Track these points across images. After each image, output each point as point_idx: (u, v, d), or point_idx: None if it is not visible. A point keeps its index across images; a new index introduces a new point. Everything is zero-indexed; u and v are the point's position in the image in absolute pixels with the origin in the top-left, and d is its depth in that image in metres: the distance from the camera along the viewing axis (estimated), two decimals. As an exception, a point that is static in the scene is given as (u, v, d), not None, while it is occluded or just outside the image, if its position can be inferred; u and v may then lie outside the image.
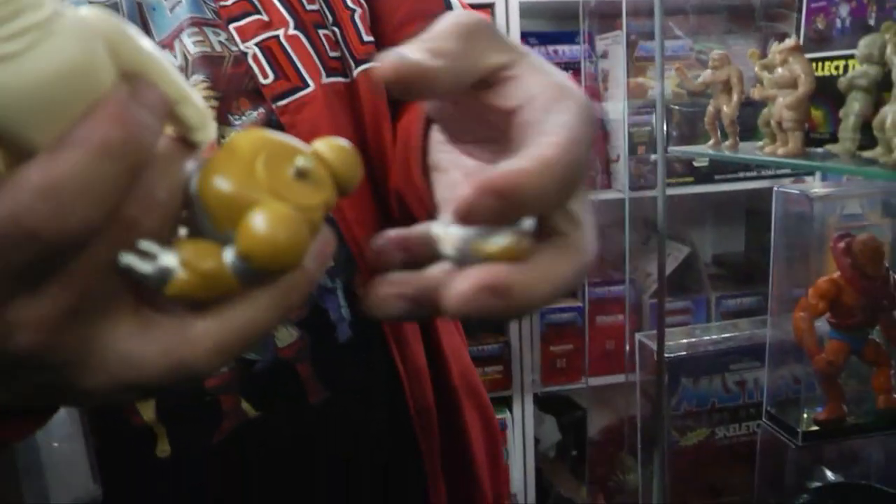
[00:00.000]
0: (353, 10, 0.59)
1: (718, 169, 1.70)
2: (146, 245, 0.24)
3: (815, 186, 0.78)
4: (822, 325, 0.75)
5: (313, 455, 0.57)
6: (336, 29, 0.58)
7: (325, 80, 0.56)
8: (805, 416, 0.73)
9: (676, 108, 1.31)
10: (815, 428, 0.74)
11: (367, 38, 0.58)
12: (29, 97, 0.21)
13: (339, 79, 0.57)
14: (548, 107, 0.29)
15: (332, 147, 0.27)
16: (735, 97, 0.62)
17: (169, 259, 0.24)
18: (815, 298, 0.73)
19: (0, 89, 0.21)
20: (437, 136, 0.38)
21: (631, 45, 1.67)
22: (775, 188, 0.72)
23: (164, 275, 0.24)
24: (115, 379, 0.26)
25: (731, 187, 1.77)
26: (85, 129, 0.22)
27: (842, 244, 0.72)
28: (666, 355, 0.78)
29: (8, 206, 0.22)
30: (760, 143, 0.63)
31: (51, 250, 0.22)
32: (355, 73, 0.57)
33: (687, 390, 0.83)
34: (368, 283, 0.28)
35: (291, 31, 0.56)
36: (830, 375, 0.75)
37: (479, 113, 0.32)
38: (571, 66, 1.76)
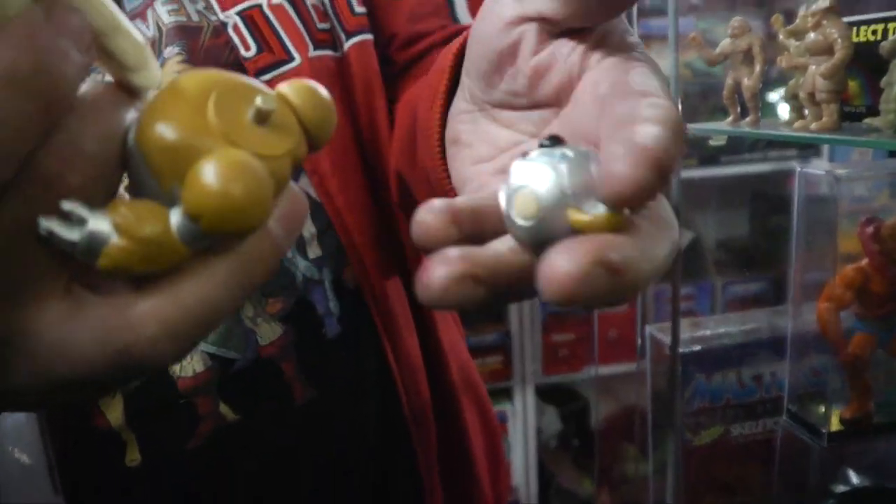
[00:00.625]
0: None
1: (724, 150, 1.66)
2: (70, 206, 0.20)
3: (827, 167, 0.73)
4: (847, 317, 0.71)
5: (299, 461, 0.53)
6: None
7: (312, 53, 0.52)
8: (831, 414, 0.68)
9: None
10: (840, 427, 0.68)
11: (360, 9, 0.54)
12: None
13: (329, 52, 0.53)
14: (626, 67, 0.26)
15: (299, 88, 0.23)
16: (758, 67, 0.57)
17: (101, 223, 0.20)
18: (841, 287, 0.68)
19: None
20: (460, 106, 0.33)
21: (631, 24, 1.62)
22: (798, 169, 0.66)
23: (95, 243, 0.20)
24: (45, 374, 0.22)
25: (737, 170, 1.73)
26: None
27: (870, 229, 0.67)
28: (679, 349, 0.73)
29: None
30: (786, 118, 0.58)
31: None
32: (346, 46, 0.54)
33: (700, 386, 0.78)
34: (424, 264, 0.22)
35: (276, 1, 0.52)
36: (857, 370, 0.70)
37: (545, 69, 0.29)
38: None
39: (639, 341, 0.85)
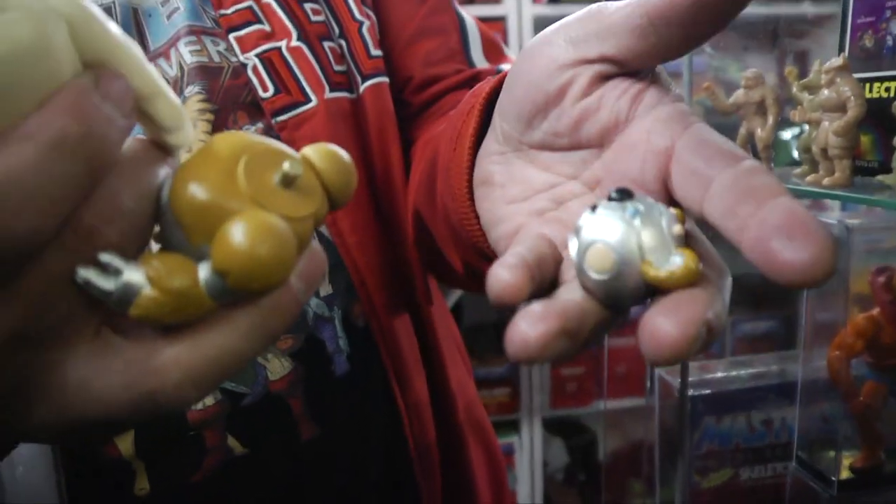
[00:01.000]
0: (362, 23, 0.56)
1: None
2: (107, 258, 0.21)
3: (845, 215, 0.74)
4: (858, 364, 0.71)
5: (304, 495, 0.54)
6: (343, 42, 0.55)
7: (328, 94, 0.53)
8: (840, 462, 0.68)
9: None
10: (850, 476, 0.68)
11: (376, 52, 0.55)
12: None
13: (345, 94, 0.54)
14: (684, 122, 0.28)
15: (323, 153, 0.24)
16: (770, 120, 0.57)
17: (134, 275, 0.22)
18: (851, 336, 0.68)
19: None
20: (491, 147, 0.34)
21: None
22: (810, 217, 0.67)
23: (128, 293, 0.22)
24: (71, 414, 0.23)
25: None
26: (38, 122, 0.20)
27: (881, 278, 0.67)
28: (688, 392, 0.73)
29: None
30: (798, 171, 0.58)
31: None
32: (362, 88, 0.55)
33: (709, 429, 0.78)
34: (516, 322, 0.23)
35: (294, 43, 0.54)
36: (868, 419, 0.70)
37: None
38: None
39: (648, 384, 0.85)
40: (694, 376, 0.81)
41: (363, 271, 0.53)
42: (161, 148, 0.23)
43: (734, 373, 0.83)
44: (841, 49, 0.55)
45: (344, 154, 0.25)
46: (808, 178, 0.53)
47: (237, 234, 0.21)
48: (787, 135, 0.82)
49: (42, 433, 0.23)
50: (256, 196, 0.22)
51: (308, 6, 0.55)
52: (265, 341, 0.24)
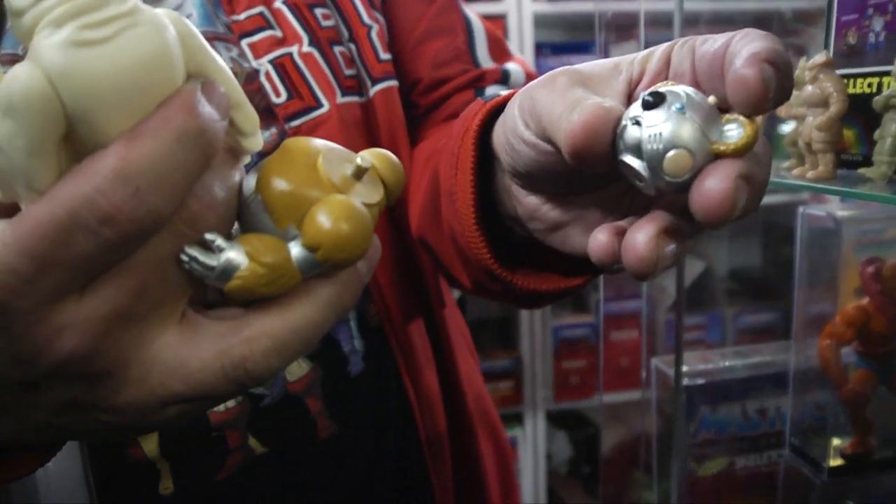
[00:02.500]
0: (370, 27, 0.57)
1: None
2: (212, 236, 0.24)
3: (837, 207, 0.75)
4: (848, 353, 0.72)
5: (321, 492, 0.55)
6: (352, 46, 0.56)
7: (340, 99, 0.55)
8: (831, 449, 0.69)
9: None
10: (841, 462, 0.70)
11: (385, 55, 0.57)
12: (110, 83, 0.21)
13: (355, 98, 0.56)
14: None
15: (378, 155, 0.29)
16: (760, 116, 0.59)
17: (235, 252, 0.25)
18: (842, 326, 0.70)
19: (84, 74, 0.21)
20: (507, 182, 0.37)
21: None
22: (800, 209, 0.68)
23: (230, 268, 0.24)
24: (160, 392, 0.24)
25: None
26: (164, 117, 0.22)
27: (871, 269, 0.69)
28: (684, 382, 0.74)
29: (84, 189, 0.21)
30: (786, 164, 0.60)
31: (120, 239, 0.21)
32: (371, 92, 0.56)
33: (705, 418, 0.80)
34: (644, 235, 0.29)
35: (306, 49, 0.55)
36: (858, 406, 0.71)
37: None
38: (586, 78, 1.73)
39: (643, 374, 0.86)
40: (690, 367, 0.82)
41: (377, 273, 0.55)
42: (232, 151, 0.26)
43: (729, 363, 0.84)
44: (826, 46, 0.57)
45: (395, 157, 0.29)
46: (795, 172, 0.54)
47: (325, 214, 0.25)
48: (786, 128, 0.83)
49: (124, 414, 0.25)
50: (336, 185, 0.26)
51: (318, 11, 0.56)
52: (339, 314, 0.27)
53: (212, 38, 0.53)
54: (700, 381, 0.80)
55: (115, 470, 0.50)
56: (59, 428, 0.26)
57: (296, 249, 0.25)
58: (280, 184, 0.25)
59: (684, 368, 0.78)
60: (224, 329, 0.25)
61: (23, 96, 0.21)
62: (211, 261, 0.24)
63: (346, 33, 0.57)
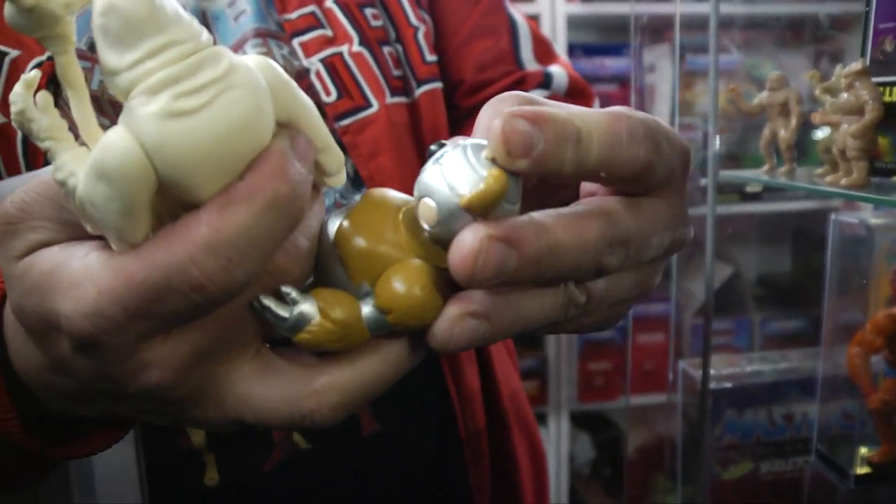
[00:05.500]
0: (417, 28, 0.57)
1: (767, 188, 1.66)
2: (288, 290, 0.24)
3: (870, 214, 0.75)
4: (878, 361, 0.72)
5: (362, 488, 0.56)
6: (399, 46, 0.57)
7: (389, 99, 0.55)
8: (858, 457, 0.69)
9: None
10: (868, 470, 0.70)
11: (431, 57, 0.57)
12: (203, 152, 0.21)
13: (402, 99, 0.56)
14: None
15: None
16: (793, 121, 0.59)
17: (308, 305, 0.25)
18: (872, 334, 0.70)
19: (178, 144, 0.21)
20: None
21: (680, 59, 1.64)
22: (832, 216, 0.68)
23: (301, 321, 0.24)
24: (231, 416, 0.26)
25: (779, 206, 1.72)
26: (254, 184, 0.22)
27: (902, 277, 0.69)
28: (711, 386, 0.75)
29: (177, 258, 0.21)
30: (819, 170, 0.60)
31: (209, 303, 0.22)
32: (417, 93, 0.56)
33: (731, 422, 0.80)
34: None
35: (356, 48, 0.55)
36: (886, 415, 0.71)
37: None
38: (619, 80, 1.73)
39: (670, 376, 0.87)
40: (717, 370, 0.82)
41: None
42: (316, 188, 0.26)
43: (756, 367, 0.84)
44: (862, 53, 0.57)
45: None
46: (828, 179, 0.55)
47: (401, 279, 0.25)
48: (820, 134, 0.83)
49: (198, 423, 0.27)
50: (414, 247, 0.26)
51: (368, 11, 0.56)
52: (405, 370, 0.27)
53: (264, 35, 0.54)
54: (727, 384, 0.81)
55: (165, 458, 0.52)
56: (136, 420, 0.28)
57: (367, 309, 0.25)
58: (358, 240, 0.25)
59: (711, 372, 0.78)
60: (295, 376, 0.26)
61: (117, 165, 0.21)
62: (284, 312, 0.24)
63: (393, 34, 0.57)
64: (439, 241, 0.25)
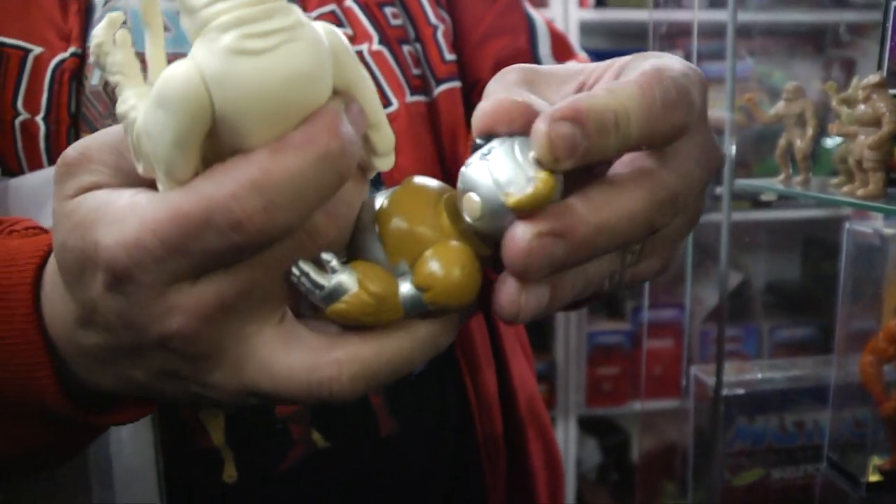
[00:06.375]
0: (436, 27, 0.58)
1: (777, 195, 1.66)
2: (329, 257, 0.25)
3: (883, 224, 0.75)
4: (890, 370, 0.72)
5: (379, 489, 0.56)
6: (418, 45, 0.57)
7: (409, 98, 0.55)
8: (870, 465, 0.70)
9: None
10: (879, 478, 0.70)
11: (450, 56, 0.57)
12: (261, 94, 0.22)
13: (422, 98, 0.56)
14: None
15: None
16: (810, 131, 0.60)
17: (346, 276, 0.25)
18: (885, 342, 0.70)
19: (238, 81, 0.22)
20: None
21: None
22: (847, 225, 0.69)
23: (338, 291, 0.25)
24: (246, 383, 0.26)
25: (790, 214, 1.73)
26: (308, 135, 0.23)
27: (915, 286, 0.69)
28: (723, 392, 0.75)
29: (222, 192, 0.22)
30: (835, 181, 0.61)
31: (246, 245, 0.23)
32: (435, 92, 0.57)
33: (742, 428, 0.80)
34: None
35: (376, 47, 0.56)
36: (898, 423, 0.71)
37: None
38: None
39: (683, 382, 0.87)
40: (728, 377, 0.83)
41: None
42: (363, 169, 0.27)
43: (768, 374, 0.85)
44: (879, 66, 0.57)
45: None
46: (844, 189, 0.55)
47: (440, 258, 0.25)
48: (830, 143, 0.84)
49: (212, 391, 0.27)
50: (455, 232, 0.26)
51: (388, 10, 0.57)
52: (431, 353, 0.27)
53: None
54: (739, 391, 0.81)
55: (183, 456, 0.52)
56: (152, 389, 0.28)
57: (405, 287, 0.26)
58: (399, 220, 0.26)
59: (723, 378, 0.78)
60: (318, 344, 0.26)
61: (177, 93, 0.22)
62: (322, 280, 0.25)
63: (412, 33, 0.58)
64: (480, 233, 0.26)
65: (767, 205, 1.72)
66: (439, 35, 0.58)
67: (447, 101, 0.57)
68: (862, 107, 0.52)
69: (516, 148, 0.25)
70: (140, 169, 0.25)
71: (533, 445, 0.64)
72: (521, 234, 0.24)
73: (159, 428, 0.51)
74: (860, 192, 0.52)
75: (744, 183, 0.70)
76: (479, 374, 0.59)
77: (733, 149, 0.74)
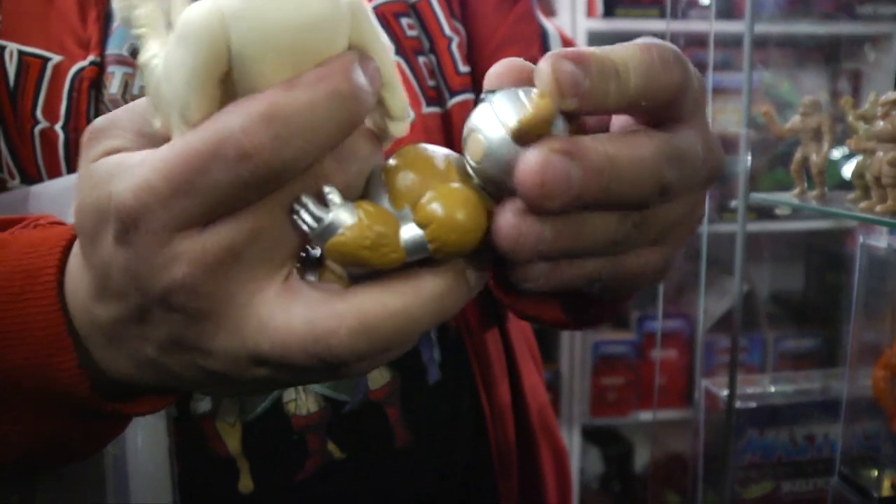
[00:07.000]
0: (451, 39, 0.58)
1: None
2: (329, 189, 0.24)
3: (887, 240, 0.75)
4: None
5: (394, 499, 0.57)
6: (433, 57, 0.57)
7: (425, 109, 0.56)
8: (883, 479, 0.69)
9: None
10: (892, 493, 0.70)
11: (464, 68, 0.58)
12: (276, 33, 0.23)
13: (437, 109, 0.57)
14: None
15: None
16: (826, 146, 0.60)
17: (346, 211, 0.25)
18: (897, 357, 0.70)
19: (254, 18, 0.23)
20: None
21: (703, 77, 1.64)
22: (860, 239, 0.69)
23: (336, 224, 0.24)
24: (249, 345, 0.25)
25: (795, 225, 1.73)
26: (319, 74, 0.23)
27: (928, 301, 0.69)
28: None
29: (231, 124, 0.22)
30: (851, 196, 0.61)
31: (252, 179, 0.23)
32: (449, 104, 0.57)
33: (752, 441, 0.80)
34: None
35: (392, 58, 0.56)
36: (910, 438, 0.71)
37: None
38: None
39: (696, 395, 0.87)
40: (738, 390, 0.83)
41: None
42: (378, 134, 0.27)
43: (778, 387, 0.85)
44: (897, 81, 0.58)
45: None
46: (862, 205, 0.55)
47: (441, 195, 0.25)
48: (836, 153, 0.84)
49: (217, 359, 0.26)
50: (461, 181, 0.26)
51: (404, 21, 0.57)
52: (437, 315, 0.26)
53: None
54: (751, 404, 0.81)
55: (198, 464, 0.52)
56: (163, 367, 0.28)
57: (406, 226, 0.25)
58: (407, 171, 0.26)
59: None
60: (319, 298, 0.25)
61: (194, 28, 0.23)
62: (321, 212, 0.24)
63: (427, 44, 0.58)
64: (487, 182, 0.26)
65: (772, 215, 1.72)
66: (454, 47, 0.58)
67: (461, 114, 0.57)
68: (881, 123, 0.52)
69: (520, 93, 0.26)
70: (157, 123, 0.26)
71: (544, 455, 0.64)
72: (534, 153, 0.24)
73: (175, 435, 0.51)
74: (878, 208, 0.52)
75: (759, 197, 0.70)
76: (493, 386, 0.59)
77: (749, 159, 0.74)
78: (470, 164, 0.26)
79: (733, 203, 0.71)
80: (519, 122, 0.24)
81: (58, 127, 0.51)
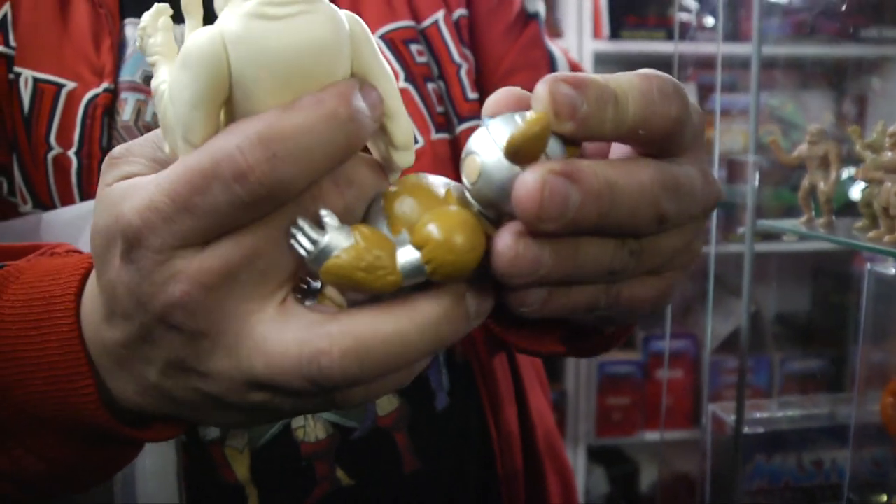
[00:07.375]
0: (460, 65, 0.58)
1: (789, 227, 1.67)
2: (326, 212, 0.25)
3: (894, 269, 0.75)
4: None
5: None
6: (442, 83, 0.58)
7: (434, 136, 0.56)
8: (891, 507, 0.69)
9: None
10: (900, 520, 0.70)
11: (472, 95, 0.58)
12: (275, 57, 0.23)
13: (445, 135, 0.57)
14: None
15: None
16: (833, 174, 0.60)
17: (342, 234, 0.24)
18: (906, 384, 0.70)
19: (254, 42, 0.23)
20: None
21: (701, 98, 1.65)
22: (868, 266, 0.69)
23: (331, 247, 0.24)
24: (244, 367, 0.25)
25: (801, 246, 1.72)
26: (317, 99, 0.24)
27: (937, 328, 0.69)
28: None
29: (228, 144, 0.23)
30: (858, 224, 0.61)
31: (249, 198, 0.23)
32: (458, 130, 0.57)
33: (759, 466, 0.80)
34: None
35: (402, 84, 0.56)
36: (919, 465, 0.71)
37: None
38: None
39: (703, 419, 0.87)
40: (745, 414, 0.82)
41: None
42: (383, 166, 0.28)
43: (786, 413, 0.85)
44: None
45: None
46: (870, 235, 0.56)
47: (439, 218, 0.25)
48: (843, 173, 0.84)
49: (214, 381, 0.26)
50: (460, 204, 0.26)
51: (413, 47, 0.57)
52: (433, 342, 0.26)
53: None
54: (759, 429, 0.81)
55: (207, 490, 0.52)
56: (164, 392, 0.28)
57: (403, 249, 0.25)
58: (405, 197, 0.26)
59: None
60: (314, 319, 0.25)
61: (197, 52, 0.23)
62: (317, 234, 0.24)
63: (436, 70, 0.58)
64: (484, 205, 0.26)
65: (777, 237, 1.72)
66: (463, 73, 0.59)
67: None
68: (889, 154, 0.53)
69: (516, 116, 0.26)
70: (166, 148, 0.26)
71: (551, 478, 0.64)
72: (532, 174, 0.24)
73: (184, 461, 0.51)
74: (887, 238, 0.52)
75: (766, 224, 0.70)
76: (501, 411, 0.59)
77: (756, 179, 0.74)
78: (467, 188, 0.26)
79: (741, 230, 0.71)
80: (511, 136, 0.24)
81: (71, 153, 0.51)
